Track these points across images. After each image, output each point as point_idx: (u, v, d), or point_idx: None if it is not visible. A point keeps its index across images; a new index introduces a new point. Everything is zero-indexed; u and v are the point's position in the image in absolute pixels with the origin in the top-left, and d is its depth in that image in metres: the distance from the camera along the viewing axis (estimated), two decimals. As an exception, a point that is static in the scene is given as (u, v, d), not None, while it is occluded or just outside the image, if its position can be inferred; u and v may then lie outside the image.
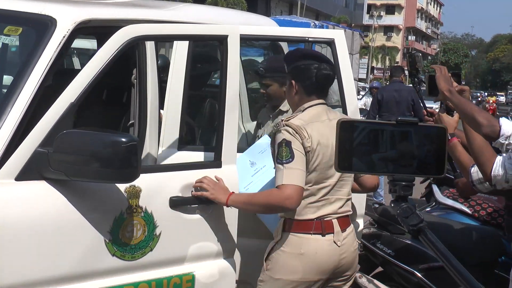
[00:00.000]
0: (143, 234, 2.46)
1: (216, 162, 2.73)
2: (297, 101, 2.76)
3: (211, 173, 2.67)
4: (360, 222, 3.18)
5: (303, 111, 2.71)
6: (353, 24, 68.07)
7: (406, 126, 1.44)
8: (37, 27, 2.45)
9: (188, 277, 2.60)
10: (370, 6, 74.18)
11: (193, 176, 2.62)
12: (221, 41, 2.72)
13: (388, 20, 79.72)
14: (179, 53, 3.06)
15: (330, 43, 2.97)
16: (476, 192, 2.92)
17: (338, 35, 3.01)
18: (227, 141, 2.71)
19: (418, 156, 1.47)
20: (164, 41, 3.73)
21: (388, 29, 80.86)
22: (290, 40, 3.67)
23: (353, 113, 2.94)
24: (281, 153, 2.58)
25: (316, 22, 14.27)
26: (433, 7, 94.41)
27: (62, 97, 2.27)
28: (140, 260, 2.45)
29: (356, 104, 3.01)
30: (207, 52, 4.21)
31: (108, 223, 2.35)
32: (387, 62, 66.78)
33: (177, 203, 2.55)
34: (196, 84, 3.76)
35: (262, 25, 3.94)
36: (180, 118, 3.00)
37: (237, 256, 2.84)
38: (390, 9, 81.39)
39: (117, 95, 3.32)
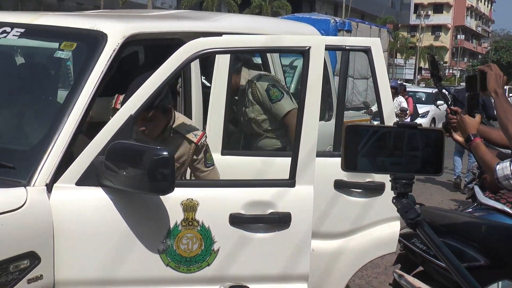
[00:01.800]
0: (200, 248, 2.48)
1: (289, 181, 2.60)
2: None
3: (281, 192, 2.58)
4: (397, 223, 3.27)
5: None
6: (399, 25, 67.33)
7: (407, 129, 1.60)
8: (90, 42, 2.65)
9: None
10: (417, 6, 73.18)
11: (258, 193, 2.58)
12: (303, 52, 2.66)
13: (436, 19, 78.46)
14: (222, 60, 3.20)
15: (367, 51, 3.08)
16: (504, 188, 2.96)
17: (374, 42, 3.12)
18: (303, 158, 2.59)
19: (418, 157, 1.62)
20: (238, 53, 3.81)
21: (436, 29, 79.56)
22: (328, 49, 3.79)
23: (389, 117, 3.05)
24: None
25: (337, 19, 13.55)
26: (484, 4, 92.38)
27: (123, 109, 2.42)
28: (196, 274, 2.49)
29: (392, 108, 3.12)
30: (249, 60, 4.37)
31: (162, 234, 2.43)
32: (436, 62, 65.46)
33: (237, 220, 2.52)
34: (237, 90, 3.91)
35: (302, 34, 4.09)
36: (223, 124, 3.15)
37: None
38: (438, 8, 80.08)
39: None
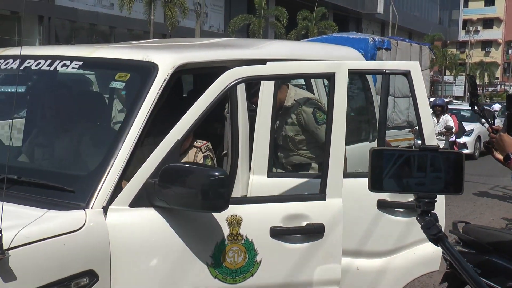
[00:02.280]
0: (244, 260, 2.66)
1: (320, 195, 2.83)
2: None
3: (314, 205, 2.80)
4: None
5: None
6: (448, 42, 66.48)
7: (428, 152, 1.72)
8: (142, 72, 2.82)
9: None
10: (466, 22, 72.16)
11: (294, 207, 2.78)
12: (329, 78, 2.91)
13: (485, 34, 77.16)
14: (267, 85, 3.33)
15: (406, 74, 3.16)
16: None
17: (413, 66, 3.19)
18: (332, 173, 2.81)
19: (440, 177, 1.74)
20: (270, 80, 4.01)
21: (486, 44, 78.21)
22: (369, 73, 3.88)
23: (429, 138, 3.10)
24: None
25: (375, 37, 13.35)
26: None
27: (171, 134, 2.59)
28: (241, 284, 2.67)
29: (432, 130, 3.18)
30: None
31: (210, 249, 2.60)
32: (486, 78, 64.44)
33: (277, 233, 2.72)
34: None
35: (347, 57, 4.20)
36: (268, 147, 3.26)
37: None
38: (488, 23, 78.76)
39: (211, 127, 3.64)
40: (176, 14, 26.32)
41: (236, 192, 3.10)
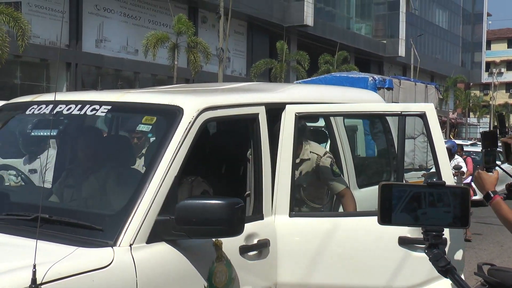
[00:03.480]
0: (226, 278, 2.91)
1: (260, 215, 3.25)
2: None
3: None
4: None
5: None
6: (471, 84, 66.40)
7: (435, 187, 1.81)
8: (168, 116, 2.96)
9: None
10: (488, 64, 72.15)
11: (248, 227, 2.97)
12: (421, 116, 3.27)
13: (509, 76, 76.91)
14: (287, 126, 3.44)
15: (422, 116, 3.25)
16: None
17: (428, 108, 3.29)
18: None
19: (447, 212, 1.82)
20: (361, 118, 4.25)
21: (510, 86, 77.86)
22: (386, 115, 3.98)
23: (448, 179, 3.17)
24: None
25: (376, 76, 12.94)
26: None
27: (170, 172, 2.76)
28: None
29: (449, 171, 3.25)
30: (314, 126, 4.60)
31: (205, 272, 2.81)
32: (511, 120, 63.93)
33: (243, 251, 3.02)
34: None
35: (368, 101, 4.31)
36: (290, 188, 3.35)
37: None
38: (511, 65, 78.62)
39: (235, 169, 3.75)
40: (199, 59, 26.81)
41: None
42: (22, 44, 20.39)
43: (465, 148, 15.62)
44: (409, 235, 3.21)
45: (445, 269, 1.81)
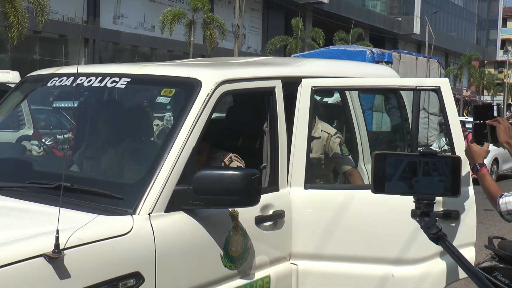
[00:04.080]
0: (241, 248, 2.95)
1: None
2: None
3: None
4: (472, 248, 3.35)
5: None
6: (486, 61, 65.58)
7: (428, 156, 1.82)
8: (186, 88, 2.97)
9: (266, 279, 3.13)
10: (504, 41, 71.12)
11: (264, 198, 3.01)
12: (436, 91, 3.26)
13: (524, 54, 75.76)
14: (303, 99, 3.44)
15: (437, 91, 3.24)
16: None
17: (443, 83, 3.27)
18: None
19: (438, 180, 1.83)
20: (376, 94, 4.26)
21: (525, 64, 76.73)
22: (399, 89, 3.96)
23: (461, 154, 3.15)
24: None
25: (374, 50, 12.36)
26: None
27: (189, 143, 2.77)
28: (239, 269, 2.96)
29: (463, 144, 3.23)
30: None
31: (222, 241, 2.84)
32: (525, 98, 63.18)
33: (258, 221, 3.05)
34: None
35: (382, 75, 4.28)
36: (305, 160, 3.36)
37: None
38: (527, 43, 77.42)
39: (251, 141, 3.76)
40: (215, 36, 26.72)
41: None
42: (41, 20, 20.43)
43: (467, 125, 15.04)
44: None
45: (436, 236, 1.84)
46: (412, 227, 3.26)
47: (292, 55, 14.42)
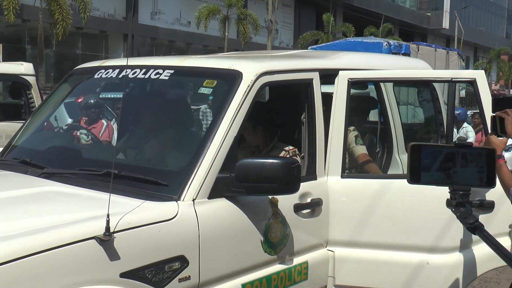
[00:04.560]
0: (280, 234, 2.95)
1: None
2: None
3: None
4: (507, 238, 3.29)
5: None
6: (515, 55, 64.03)
7: (463, 148, 1.78)
8: (228, 79, 2.98)
9: (304, 265, 3.12)
10: (534, 36, 69.39)
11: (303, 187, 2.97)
12: (472, 83, 3.21)
13: (554, 48, 73.85)
14: (340, 91, 3.41)
15: (472, 82, 3.18)
16: None
17: (479, 74, 3.21)
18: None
19: (473, 171, 1.79)
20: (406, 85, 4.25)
21: (554, 58, 74.79)
22: (435, 81, 3.90)
23: None
24: None
25: (391, 42, 11.78)
26: None
27: (230, 132, 2.78)
28: (278, 254, 2.96)
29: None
30: (366, 93, 4.55)
31: (262, 227, 2.85)
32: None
33: (297, 208, 3.05)
34: (356, 120, 4.10)
35: (415, 67, 4.23)
36: (342, 150, 3.35)
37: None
38: (556, 37, 75.41)
39: (290, 132, 3.75)
40: (249, 31, 26.73)
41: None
42: (84, 17, 20.73)
43: None
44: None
45: (473, 226, 1.81)
46: (446, 216, 3.22)
47: (309, 48, 13.96)
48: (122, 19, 27.43)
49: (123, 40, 27.60)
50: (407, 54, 11.45)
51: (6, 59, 21.05)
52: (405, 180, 3.31)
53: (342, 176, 3.32)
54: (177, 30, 29.20)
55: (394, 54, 10.72)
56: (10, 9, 19.36)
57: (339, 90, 3.38)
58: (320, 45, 13.67)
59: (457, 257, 3.25)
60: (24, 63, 8.07)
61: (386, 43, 11.46)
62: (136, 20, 27.45)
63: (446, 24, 46.34)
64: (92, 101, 5.44)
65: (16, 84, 8.10)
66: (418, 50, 12.22)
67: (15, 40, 24.06)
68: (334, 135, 3.35)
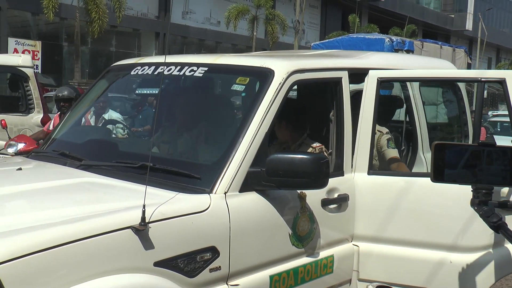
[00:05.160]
0: (308, 228, 2.94)
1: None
2: None
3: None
4: None
5: None
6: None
7: (486, 147, 1.73)
8: (260, 77, 2.97)
9: (330, 258, 3.11)
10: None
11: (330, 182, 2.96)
12: (501, 82, 3.12)
13: None
14: (370, 89, 3.38)
15: (501, 82, 3.11)
16: None
17: (508, 74, 3.14)
18: None
19: (496, 170, 1.74)
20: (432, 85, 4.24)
21: None
22: (463, 81, 3.83)
23: None
24: None
25: (393, 38, 11.11)
26: None
27: (261, 128, 2.77)
28: (305, 248, 2.95)
29: None
30: (392, 93, 4.50)
31: (290, 221, 2.84)
32: None
33: (324, 203, 3.04)
34: (382, 119, 4.05)
35: (441, 67, 4.16)
36: (369, 148, 3.31)
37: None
38: None
39: (318, 129, 3.73)
40: (277, 31, 26.68)
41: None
42: (119, 15, 20.94)
43: None
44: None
45: (497, 224, 1.76)
46: (469, 215, 3.16)
47: (312, 44, 13.60)
48: (155, 18, 27.59)
49: (155, 38, 27.78)
50: (410, 51, 11.00)
51: (44, 55, 21.44)
52: (429, 178, 3.29)
53: (369, 173, 3.29)
54: (207, 29, 29.28)
55: (396, 51, 10.31)
56: (49, 8, 19.66)
57: (369, 89, 3.35)
58: (323, 41, 13.25)
59: (480, 257, 3.19)
60: (22, 55, 7.95)
61: (388, 39, 10.89)
62: (168, 19, 27.61)
63: (469, 25, 45.61)
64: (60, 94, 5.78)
65: (14, 76, 7.95)
66: (422, 47, 11.66)
67: (52, 37, 24.40)
68: (362, 132, 3.32)
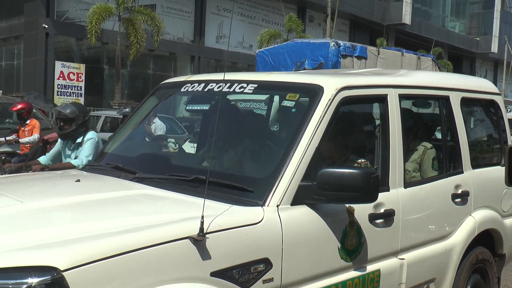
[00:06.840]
0: (356, 242, 2.88)
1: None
2: None
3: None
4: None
5: None
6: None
7: None
8: (310, 93, 2.93)
9: (377, 272, 3.02)
10: None
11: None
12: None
13: None
14: (395, 112, 3.27)
15: None
16: None
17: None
18: None
19: None
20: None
21: None
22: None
23: None
24: None
25: (341, 42, 9.66)
26: None
27: (312, 144, 2.74)
28: (353, 261, 2.89)
29: None
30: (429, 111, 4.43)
31: (339, 235, 2.79)
32: None
33: (372, 218, 2.98)
34: (416, 136, 3.98)
35: (480, 86, 4.09)
36: (403, 163, 3.25)
37: None
38: None
39: (364, 144, 3.67)
40: (306, 54, 26.71)
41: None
42: (157, 39, 21.25)
43: None
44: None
45: None
46: None
47: (256, 51, 12.73)
48: (190, 42, 27.95)
49: (190, 61, 28.09)
50: (362, 57, 9.77)
51: (87, 78, 21.89)
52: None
53: (405, 186, 3.25)
54: (240, 53, 29.49)
55: (344, 56, 9.29)
56: (93, 33, 20.07)
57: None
58: (268, 48, 12.50)
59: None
60: None
61: (333, 43, 9.51)
62: (202, 43, 27.92)
63: (494, 48, 44.93)
64: None
65: None
66: (378, 54, 10.24)
67: (94, 61, 24.88)
68: (395, 149, 3.26)
